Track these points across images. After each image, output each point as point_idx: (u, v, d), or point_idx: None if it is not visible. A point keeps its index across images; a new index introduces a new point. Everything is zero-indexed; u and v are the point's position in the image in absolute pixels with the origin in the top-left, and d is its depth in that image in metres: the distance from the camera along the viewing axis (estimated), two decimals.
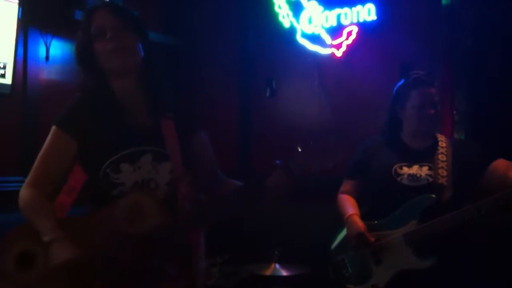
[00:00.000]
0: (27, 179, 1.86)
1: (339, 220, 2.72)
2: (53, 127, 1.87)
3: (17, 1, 3.34)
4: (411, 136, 2.65)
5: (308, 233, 3.64)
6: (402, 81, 2.69)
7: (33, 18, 3.56)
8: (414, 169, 2.55)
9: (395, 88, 2.71)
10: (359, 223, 2.56)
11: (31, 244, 1.75)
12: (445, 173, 2.50)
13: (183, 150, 1.89)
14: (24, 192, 1.84)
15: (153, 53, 1.93)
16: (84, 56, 1.86)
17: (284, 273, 3.20)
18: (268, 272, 3.21)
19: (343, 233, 2.71)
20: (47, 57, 3.68)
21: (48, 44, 3.66)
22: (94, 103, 1.86)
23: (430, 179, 2.51)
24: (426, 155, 2.59)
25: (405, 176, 2.54)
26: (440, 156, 2.56)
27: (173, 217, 1.79)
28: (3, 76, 3.33)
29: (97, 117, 1.85)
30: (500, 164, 2.46)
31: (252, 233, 3.85)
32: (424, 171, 2.54)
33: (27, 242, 1.76)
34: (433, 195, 2.46)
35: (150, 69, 1.91)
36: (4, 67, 3.32)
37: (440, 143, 2.62)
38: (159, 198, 1.83)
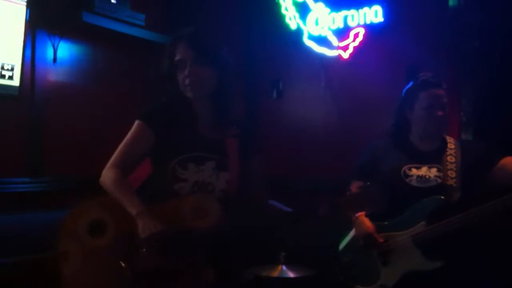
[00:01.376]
0: (111, 162, 2.09)
1: (347, 221, 2.71)
2: (138, 121, 2.12)
3: (25, 3, 3.36)
4: (419, 137, 2.66)
5: (315, 235, 3.63)
6: (411, 83, 2.69)
7: (41, 20, 3.58)
8: (423, 171, 2.55)
9: (404, 90, 2.71)
10: (368, 224, 2.56)
11: (104, 215, 1.98)
12: (454, 175, 2.50)
13: (241, 167, 2.12)
14: (109, 172, 2.06)
15: (229, 78, 2.14)
16: (167, 78, 2.11)
17: (291, 274, 3.19)
18: (275, 274, 3.20)
19: (351, 233, 2.71)
20: (54, 59, 3.70)
21: (55, 46, 3.68)
22: (173, 109, 2.13)
23: (439, 181, 2.51)
24: (435, 157, 2.59)
25: (414, 177, 2.55)
26: (449, 158, 2.56)
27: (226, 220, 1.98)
28: (11, 78, 3.34)
29: (175, 121, 2.11)
30: (509, 161, 2.46)
31: (259, 235, 3.84)
32: (433, 172, 2.54)
33: (101, 213, 1.99)
34: (442, 197, 2.46)
35: (222, 94, 2.12)
36: (12, 69, 3.34)
37: (449, 145, 2.62)
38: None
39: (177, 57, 2.06)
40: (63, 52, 3.76)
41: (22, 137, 3.56)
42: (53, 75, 3.73)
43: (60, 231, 2.00)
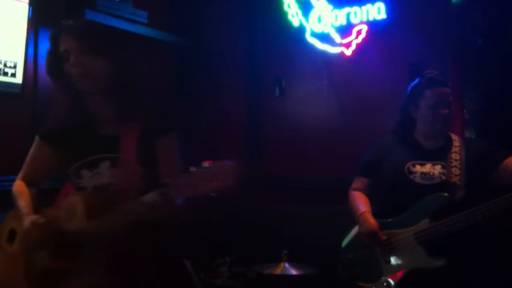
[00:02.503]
0: (19, 175, 2.19)
1: (350, 218, 2.71)
2: (36, 137, 2.14)
3: (27, 1, 3.35)
4: (424, 135, 2.65)
5: (317, 233, 3.63)
6: (417, 80, 2.68)
7: (43, 17, 3.57)
8: (427, 168, 2.55)
9: (409, 87, 2.71)
10: (371, 221, 2.55)
11: (17, 223, 2.03)
12: (458, 172, 2.49)
13: (141, 156, 1.96)
14: (15, 183, 2.17)
15: (125, 71, 2.01)
16: (55, 75, 1.99)
17: (293, 272, 3.19)
18: (277, 271, 3.20)
19: (354, 230, 2.70)
20: None
21: None
22: (68, 114, 2.05)
23: (443, 178, 2.50)
24: (439, 154, 2.58)
25: (418, 174, 2.54)
26: (453, 155, 2.55)
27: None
28: (13, 75, 3.34)
29: (69, 127, 2.03)
30: None
31: (261, 233, 3.85)
32: (437, 169, 2.54)
33: (15, 221, 2.05)
34: (446, 194, 2.45)
35: (118, 87, 1.99)
36: (15, 67, 3.34)
37: (453, 142, 2.62)
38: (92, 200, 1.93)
39: (62, 48, 1.93)
40: None
41: (25, 134, 3.55)
42: None
43: None
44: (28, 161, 2.17)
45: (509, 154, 2.49)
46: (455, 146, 2.59)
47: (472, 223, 2.35)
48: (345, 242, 2.76)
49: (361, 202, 2.68)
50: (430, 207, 2.46)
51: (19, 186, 2.14)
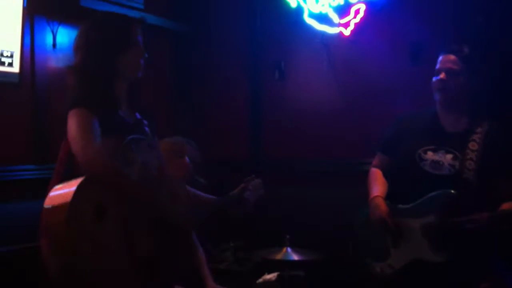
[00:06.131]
0: (104, 156, 1.88)
1: (351, 202, 2.70)
2: (78, 109, 2.01)
3: None
4: (441, 111, 2.57)
5: (320, 216, 3.64)
6: None
7: (39, 6, 3.54)
8: (439, 155, 2.49)
9: None
10: (382, 207, 2.53)
11: (104, 197, 1.81)
12: (472, 166, 2.40)
13: None
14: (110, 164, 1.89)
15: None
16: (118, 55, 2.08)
17: (295, 257, 3.18)
18: (279, 257, 3.19)
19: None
20: (54, 45, 3.66)
21: (55, 32, 3.65)
22: (106, 91, 2.08)
23: (453, 170, 2.44)
24: (457, 141, 2.48)
25: (428, 162, 2.49)
26: (471, 145, 2.45)
27: None
28: (10, 65, 3.33)
29: (107, 104, 2.05)
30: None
31: (264, 218, 3.84)
32: (447, 159, 2.47)
33: (98, 194, 1.81)
34: (453, 191, 2.38)
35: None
36: (12, 56, 3.32)
37: (477, 128, 2.48)
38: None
39: (135, 39, 2.09)
40: (62, 37, 3.71)
41: (25, 124, 3.54)
42: (53, 61, 3.69)
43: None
44: (89, 134, 1.91)
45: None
46: (477, 133, 2.46)
47: (479, 229, 2.29)
48: (361, 216, 2.71)
49: (376, 184, 2.66)
50: (436, 203, 2.41)
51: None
